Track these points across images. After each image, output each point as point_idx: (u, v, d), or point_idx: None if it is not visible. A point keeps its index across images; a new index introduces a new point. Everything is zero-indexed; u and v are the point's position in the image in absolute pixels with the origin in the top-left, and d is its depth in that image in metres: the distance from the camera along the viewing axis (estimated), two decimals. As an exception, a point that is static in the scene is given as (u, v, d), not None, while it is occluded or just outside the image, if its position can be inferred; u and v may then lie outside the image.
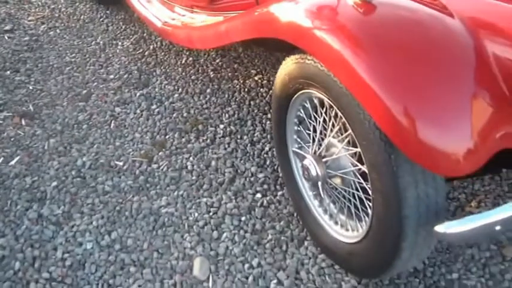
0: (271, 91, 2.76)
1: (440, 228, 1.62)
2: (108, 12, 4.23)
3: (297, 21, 1.88)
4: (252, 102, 3.13)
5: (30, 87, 3.38)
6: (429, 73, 1.63)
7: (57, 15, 4.23)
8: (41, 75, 3.50)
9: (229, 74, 3.40)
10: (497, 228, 1.62)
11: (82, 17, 4.18)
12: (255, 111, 3.06)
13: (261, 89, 3.23)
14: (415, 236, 1.74)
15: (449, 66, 1.65)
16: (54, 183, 2.64)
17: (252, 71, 3.42)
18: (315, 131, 2.06)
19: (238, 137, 2.88)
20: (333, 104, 1.86)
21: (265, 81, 3.28)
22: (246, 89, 3.25)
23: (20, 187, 2.62)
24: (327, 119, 1.97)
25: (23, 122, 3.08)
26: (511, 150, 1.73)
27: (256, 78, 3.35)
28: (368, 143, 1.71)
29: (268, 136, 2.85)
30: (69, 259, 2.28)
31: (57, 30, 4.02)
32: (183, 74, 3.43)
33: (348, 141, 1.89)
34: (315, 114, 2.05)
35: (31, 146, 2.91)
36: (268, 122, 2.93)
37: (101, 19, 4.14)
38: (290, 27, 1.91)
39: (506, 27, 1.67)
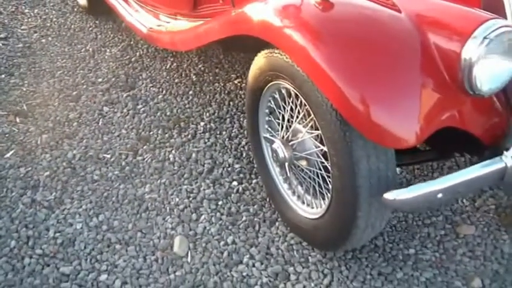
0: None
1: (389, 195, 1.85)
2: (97, 22, 4.44)
3: (267, 19, 2.10)
4: (231, 103, 3.35)
5: (24, 89, 3.58)
6: (380, 61, 1.86)
7: (48, 24, 4.43)
8: (34, 79, 3.69)
9: (211, 77, 3.62)
10: (439, 196, 1.84)
11: (72, 26, 4.39)
12: (234, 110, 3.28)
13: (240, 91, 3.44)
14: (369, 206, 1.95)
15: (397, 56, 1.88)
16: (47, 173, 2.83)
17: (232, 75, 3.63)
18: (283, 119, 2.27)
19: (218, 133, 3.09)
20: (297, 92, 2.08)
21: (244, 85, 3.49)
22: (226, 91, 3.46)
23: (15, 176, 2.81)
24: (293, 107, 2.19)
25: (17, 120, 3.28)
26: (461, 135, 1.97)
27: (236, 81, 3.56)
28: (326, 123, 1.93)
29: (245, 132, 3.05)
30: (60, 238, 2.47)
31: (49, 38, 4.22)
32: (168, 77, 3.64)
33: (311, 126, 2.11)
34: (283, 104, 2.26)
35: (25, 141, 3.10)
36: (246, 120, 3.14)
37: (90, 28, 4.35)
38: (260, 25, 2.13)
39: (446, 21, 1.90)
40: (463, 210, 2.52)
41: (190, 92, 3.47)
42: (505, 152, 1.90)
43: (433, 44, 1.87)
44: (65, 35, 4.27)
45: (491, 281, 2.21)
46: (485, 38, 1.77)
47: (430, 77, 1.86)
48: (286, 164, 2.25)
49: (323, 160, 2.09)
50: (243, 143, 3.00)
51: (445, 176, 1.87)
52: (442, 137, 2.13)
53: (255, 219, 2.52)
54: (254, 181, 2.73)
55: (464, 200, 2.57)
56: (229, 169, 2.82)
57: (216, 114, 3.25)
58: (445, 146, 2.23)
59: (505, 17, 1.94)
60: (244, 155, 2.91)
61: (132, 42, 4.09)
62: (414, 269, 2.27)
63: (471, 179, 1.88)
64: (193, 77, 3.63)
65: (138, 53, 3.95)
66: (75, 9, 4.65)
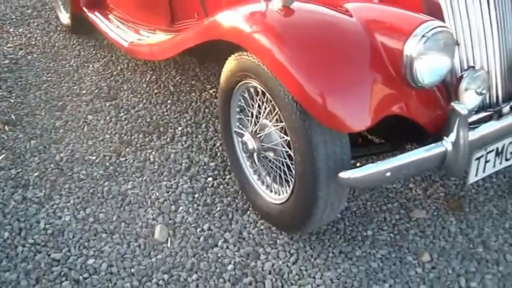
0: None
1: (343, 174, 2.09)
2: (80, 40, 4.66)
3: (236, 25, 2.35)
4: (206, 110, 3.59)
5: (12, 101, 3.78)
6: (334, 60, 2.13)
7: (33, 42, 4.65)
8: (21, 91, 3.90)
9: (188, 88, 3.86)
10: (388, 174, 2.10)
11: (56, 44, 4.61)
12: (209, 116, 3.52)
13: (215, 100, 3.69)
14: (328, 187, 2.20)
15: (349, 55, 2.15)
16: (36, 174, 3.04)
17: (208, 85, 3.88)
18: (252, 115, 2.51)
19: (194, 136, 3.33)
20: (263, 89, 2.32)
21: (218, 94, 3.73)
22: (202, 100, 3.71)
23: (6, 177, 3.01)
24: (260, 104, 2.43)
25: (6, 128, 3.47)
26: (409, 127, 2.22)
27: (211, 91, 3.81)
28: (288, 114, 2.18)
29: (219, 135, 3.29)
30: (51, 228, 2.67)
31: (34, 55, 4.43)
32: (147, 89, 3.87)
33: (276, 120, 2.35)
34: (251, 102, 2.50)
35: (14, 146, 3.30)
36: (219, 119, 3.37)
37: (74, 46, 4.58)
38: (231, 30, 2.39)
39: (391, 24, 2.17)
40: (416, 198, 2.78)
41: (169, 101, 3.70)
42: (445, 138, 2.16)
43: (380, 43, 2.14)
44: (49, 52, 4.49)
45: (439, 255, 2.46)
46: (423, 36, 2.04)
47: (378, 72, 2.12)
48: (255, 154, 2.48)
49: (287, 149, 2.33)
50: (218, 144, 3.23)
51: (393, 158, 2.12)
52: (394, 130, 2.40)
53: (229, 209, 2.75)
54: (228, 177, 2.96)
55: (417, 189, 2.83)
56: (204, 167, 3.05)
57: (192, 120, 3.49)
58: (396, 138, 2.49)
59: (443, 20, 2.21)
60: (218, 154, 3.14)
61: (113, 58, 4.32)
62: (371, 248, 2.51)
63: (415, 161, 2.14)
64: (171, 87, 3.87)
65: (119, 67, 4.18)
66: (59, 29, 4.88)
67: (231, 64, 2.51)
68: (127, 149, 3.23)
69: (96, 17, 4.10)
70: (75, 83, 4.00)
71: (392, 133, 2.48)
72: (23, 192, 2.90)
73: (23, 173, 3.06)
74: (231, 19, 2.40)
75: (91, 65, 4.26)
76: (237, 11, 2.39)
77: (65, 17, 4.79)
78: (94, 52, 4.46)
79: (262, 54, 2.21)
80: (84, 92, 3.88)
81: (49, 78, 4.08)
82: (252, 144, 2.47)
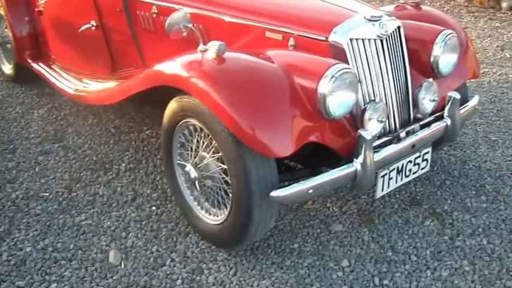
0: (159, 140, 3.27)
1: (274, 193, 2.35)
2: (23, 88, 4.78)
3: (178, 72, 2.57)
4: (145, 148, 3.78)
5: (-37, 147, 3.87)
6: (261, 98, 2.39)
7: (-23, 93, 4.74)
8: (-29, 138, 3.99)
9: (127, 130, 4.05)
10: (310, 191, 2.38)
11: (0, 93, 4.71)
12: (148, 154, 3.71)
13: (152, 139, 3.89)
14: (261, 205, 2.44)
15: (273, 93, 2.42)
16: (-6, 212, 3.15)
17: (144, 127, 4.08)
18: (191, 149, 2.74)
19: (136, 171, 3.51)
20: (201, 125, 2.56)
21: (154, 134, 3.94)
22: (140, 140, 3.90)
23: (-35, 216, 3.11)
24: (199, 139, 2.66)
25: (-40, 172, 3.56)
26: (325, 153, 2.51)
27: (147, 132, 4.01)
28: (224, 145, 2.42)
29: (159, 170, 3.49)
30: (13, 259, 2.77)
31: (-21, 104, 4.53)
32: (90, 131, 4.04)
33: (213, 151, 2.59)
34: (191, 138, 2.73)
35: (-30, 188, 3.39)
36: (158, 161, 3.59)
37: (17, 94, 4.69)
38: (173, 77, 2.60)
39: (305, 67, 2.47)
40: (333, 214, 3.06)
41: (111, 141, 3.88)
42: (355, 160, 2.46)
43: (298, 84, 2.43)
44: (-6, 100, 4.60)
45: (356, 260, 2.73)
46: (332, 77, 2.35)
47: (297, 108, 2.40)
48: (196, 182, 2.71)
49: (224, 176, 2.56)
50: (158, 177, 3.43)
51: (313, 178, 2.40)
52: (312, 158, 2.69)
53: (173, 232, 2.95)
54: (169, 205, 3.16)
55: (334, 207, 3.12)
56: (148, 198, 3.24)
57: (133, 157, 3.68)
58: (315, 163, 2.77)
59: (347, 62, 2.53)
60: (159, 186, 3.34)
61: (56, 104, 4.46)
62: (299, 258, 2.76)
63: (332, 179, 2.43)
64: (112, 129, 4.05)
65: (62, 113, 4.32)
66: (1, 79, 4.98)
67: (172, 106, 2.73)
68: (77, 185, 3.38)
69: (40, 68, 4.25)
70: (23, 128, 4.11)
71: (311, 159, 2.76)
72: (-17, 229, 3.00)
73: (-19, 211, 3.15)
74: (173, 68, 2.62)
75: (36, 111, 4.38)
76: (176, 60, 2.62)
77: (7, 68, 4.90)
78: (37, 99, 4.59)
79: (201, 95, 2.45)
80: (33, 135, 4.00)
81: (-3, 125, 4.18)
82: (193, 173, 2.69)
